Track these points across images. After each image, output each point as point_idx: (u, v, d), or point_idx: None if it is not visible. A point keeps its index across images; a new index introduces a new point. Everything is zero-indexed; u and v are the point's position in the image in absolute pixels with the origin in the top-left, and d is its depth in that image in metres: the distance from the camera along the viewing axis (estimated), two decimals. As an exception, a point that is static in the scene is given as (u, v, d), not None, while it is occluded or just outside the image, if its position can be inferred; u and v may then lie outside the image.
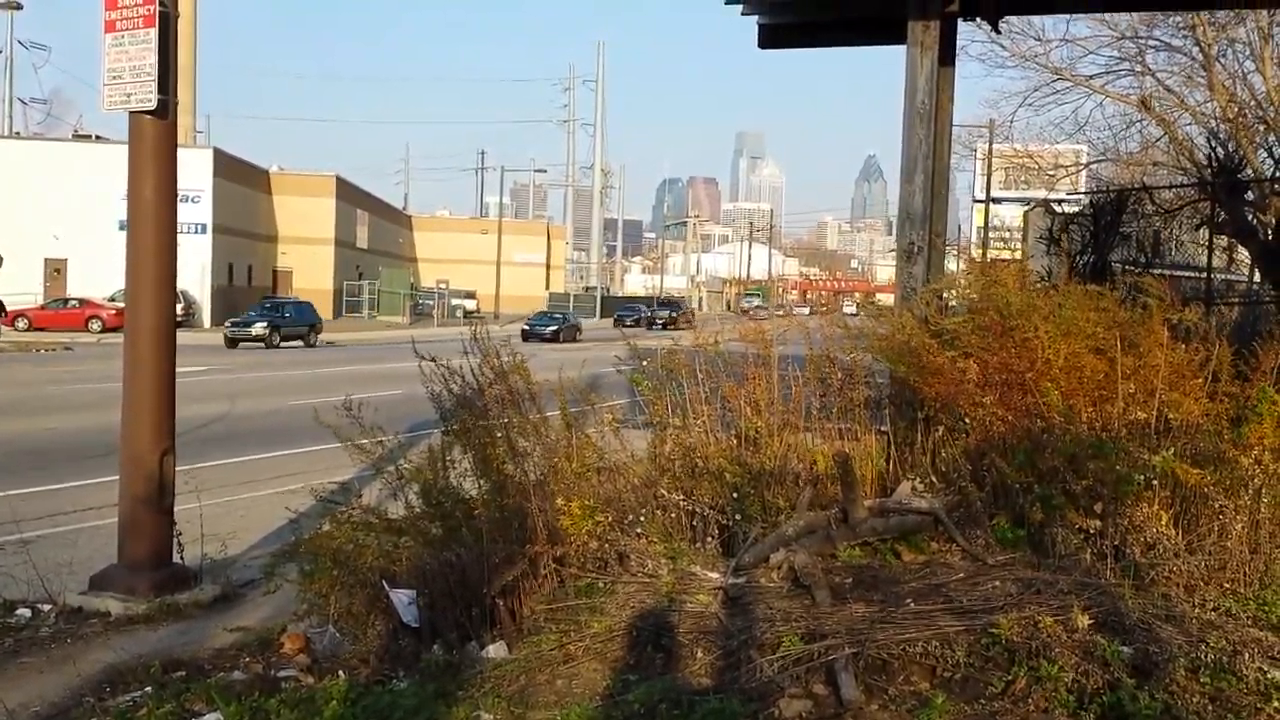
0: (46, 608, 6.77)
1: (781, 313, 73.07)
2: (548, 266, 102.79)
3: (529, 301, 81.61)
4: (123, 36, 6.86)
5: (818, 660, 4.48)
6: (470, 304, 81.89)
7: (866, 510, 5.86)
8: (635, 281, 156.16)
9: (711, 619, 4.94)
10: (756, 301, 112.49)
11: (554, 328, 57.45)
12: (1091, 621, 4.58)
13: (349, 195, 75.27)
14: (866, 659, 4.52)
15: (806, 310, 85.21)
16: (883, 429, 7.16)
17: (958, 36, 9.07)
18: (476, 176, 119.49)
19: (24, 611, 6.69)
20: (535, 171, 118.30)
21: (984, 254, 44.79)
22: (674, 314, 74.30)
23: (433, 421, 7.33)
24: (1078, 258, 11.47)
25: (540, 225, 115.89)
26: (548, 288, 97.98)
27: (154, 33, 6.75)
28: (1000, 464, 6.05)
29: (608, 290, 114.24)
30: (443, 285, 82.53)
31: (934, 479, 6.43)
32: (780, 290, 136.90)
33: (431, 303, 72.68)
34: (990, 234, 48.45)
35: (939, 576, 5.43)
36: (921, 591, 5.19)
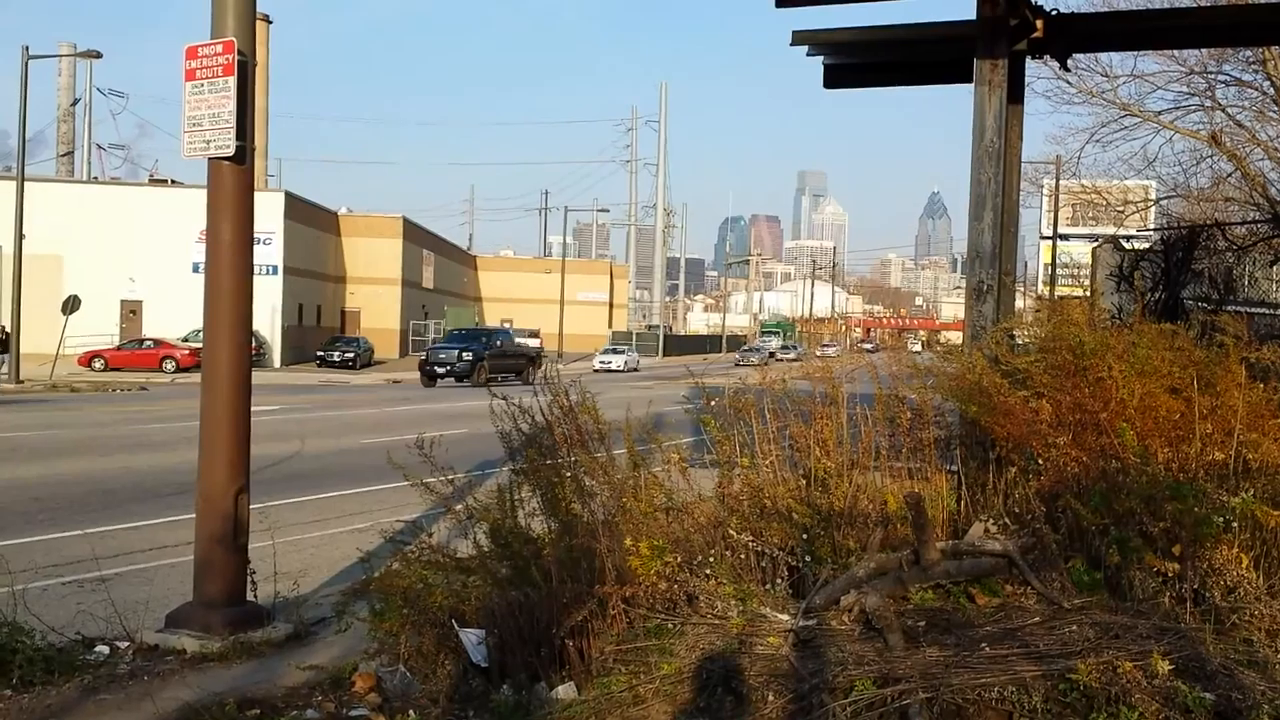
0: (124, 645, 6.87)
1: (820, 353, 73.06)
2: (610, 305, 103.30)
3: (592, 340, 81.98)
4: (202, 85, 7.04)
5: (891, 705, 4.43)
6: (534, 343, 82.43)
7: (939, 552, 5.79)
8: (697, 320, 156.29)
9: (782, 662, 4.90)
10: (775, 343, 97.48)
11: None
12: (1171, 667, 4.48)
13: (415, 236, 76.30)
14: (941, 704, 4.46)
15: (869, 347, 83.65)
16: (953, 468, 7.09)
17: (1025, 72, 9.03)
18: (540, 216, 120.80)
19: (102, 648, 6.79)
20: (598, 211, 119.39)
21: (1052, 291, 44.37)
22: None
23: (499, 460, 7.38)
24: (1149, 295, 11.31)
25: (603, 264, 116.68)
26: (610, 326, 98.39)
27: (233, 81, 6.92)
28: (1075, 505, 5.95)
29: (670, 329, 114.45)
30: (507, 324, 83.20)
31: (1007, 520, 6.35)
32: (845, 329, 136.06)
33: (499, 341, 73.18)
34: (1058, 271, 47.95)
35: (1014, 620, 5.35)
36: (996, 635, 5.11)
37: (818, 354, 77.40)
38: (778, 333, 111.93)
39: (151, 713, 5.60)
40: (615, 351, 69.47)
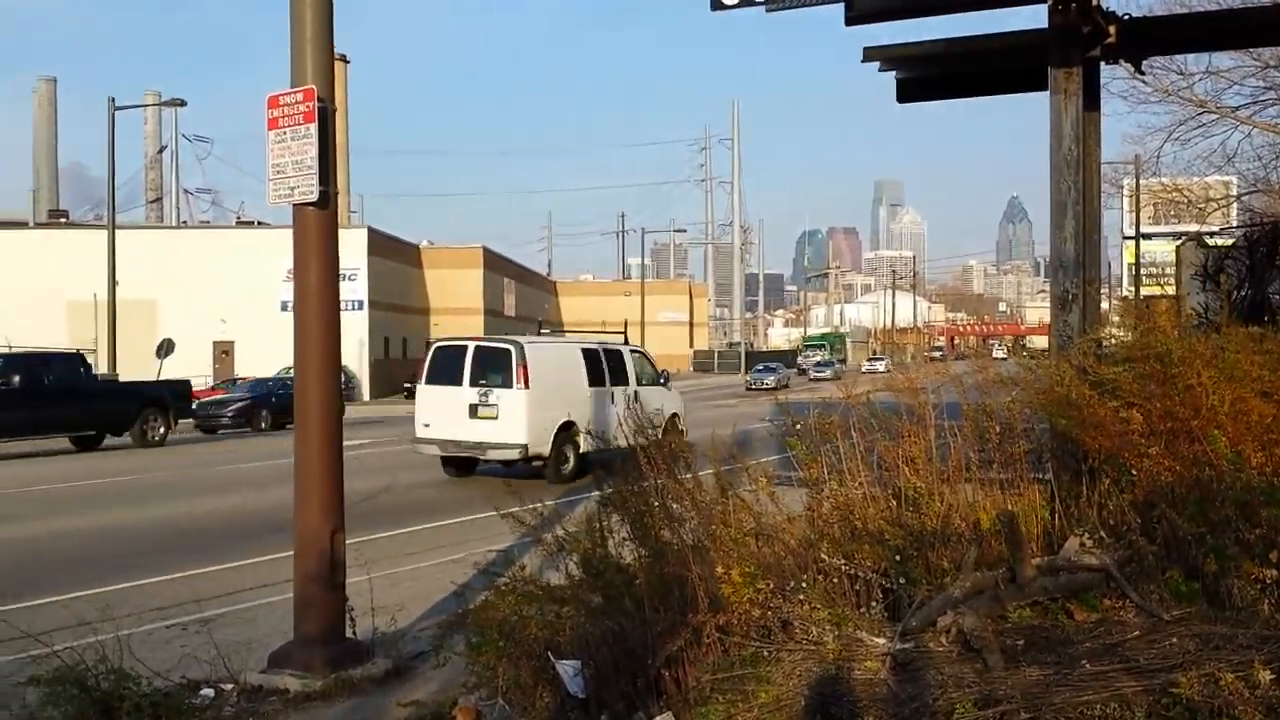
0: (229, 687, 7.02)
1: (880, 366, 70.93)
2: (691, 324, 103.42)
3: (674, 360, 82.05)
4: (285, 133, 7.22)
5: (993, 727, 4.37)
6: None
7: (1035, 569, 5.70)
8: (778, 335, 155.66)
9: (880, 686, 4.86)
10: (818, 358, 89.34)
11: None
12: (1274, 676, 4.37)
13: (495, 265, 77.20)
14: (1044, 724, 4.39)
15: (938, 355, 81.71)
16: (1044, 477, 6.98)
17: (1100, 78, 8.91)
18: (617, 239, 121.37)
19: (208, 691, 6.94)
20: (675, 232, 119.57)
21: (1136, 292, 43.49)
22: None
23: (583, 486, 7.44)
24: (1235, 293, 11.06)
25: (682, 284, 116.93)
26: (692, 345, 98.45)
27: (314, 128, 7.09)
28: (1170, 515, 5.83)
29: (751, 345, 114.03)
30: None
31: (1102, 533, 6.23)
32: (926, 338, 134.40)
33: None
34: (1141, 270, 47.02)
35: (1114, 635, 5.25)
36: (1096, 651, 5.02)
37: (864, 370, 73.00)
38: (824, 346, 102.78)
39: (259, 753, 5.72)
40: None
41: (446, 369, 18.95)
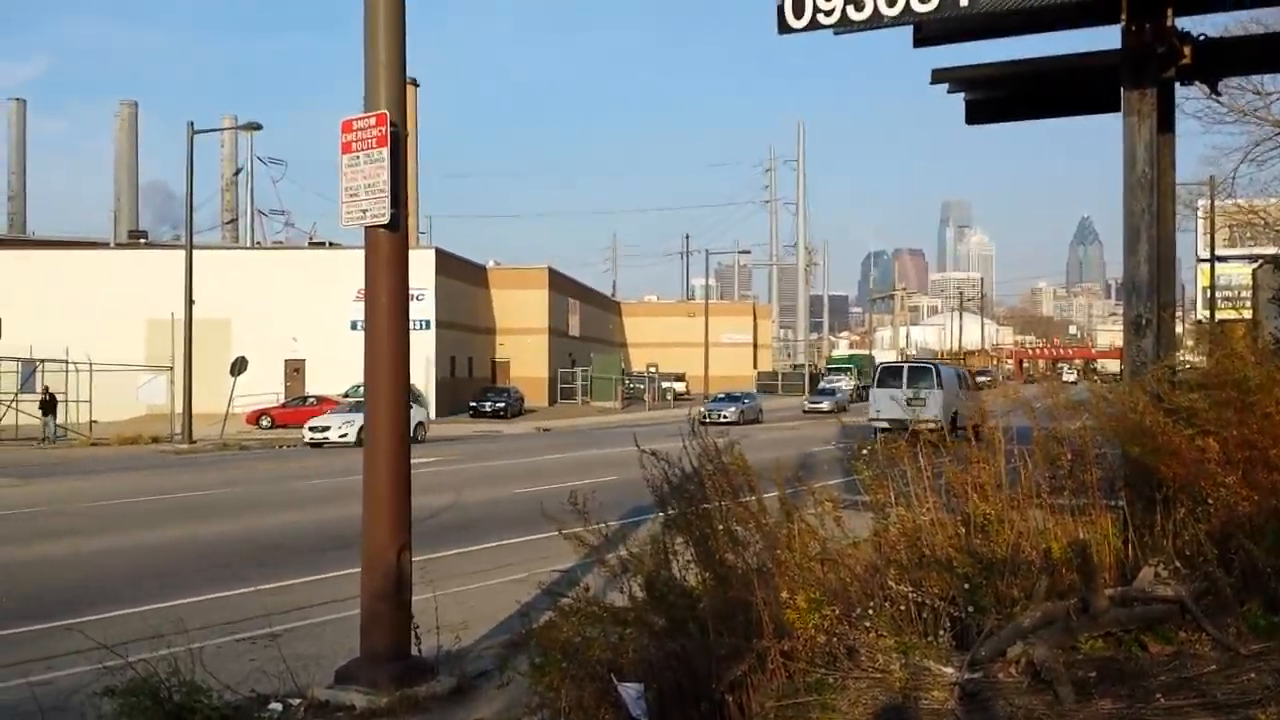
0: (296, 701, 7.10)
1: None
2: (755, 346, 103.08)
3: (738, 381, 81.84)
4: (358, 157, 7.33)
5: (1065, 761, 4.29)
6: (679, 386, 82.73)
7: (1108, 599, 5.60)
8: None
9: (948, 716, 4.79)
10: (843, 384, 78.40)
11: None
12: (1358, 715, 4.25)
13: (560, 285, 77.63)
14: (1117, 759, 4.30)
15: (986, 379, 77.00)
16: (1117, 505, 6.86)
17: (1174, 99, 8.77)
18: (681, 260, 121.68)
19: (276, 705, 7.03)
20: (739, 253, 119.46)
21: (1211, 316, 42.65)
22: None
23: (648, 507, 7.43)
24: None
25: (746, 305, 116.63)
26: (755, 367, 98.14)
27: (386, 152, 7.20)
28: (1248, 546, 5.71)
29: (815, 367, 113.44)
30: (653, 369, 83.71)
31: (1177, 564, 6.10)
32: (995, 361, 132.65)
33: (642, 386, 73.82)
34: (1216, 293, 46.15)
35: (1189, 669, 5.14)
36: (1171, 685, 4.92)
37: (809, 406, 65.63)
38: (849, 369, 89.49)
39: (325, 768, 5.77)
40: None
41: (890, 378, 32.77)
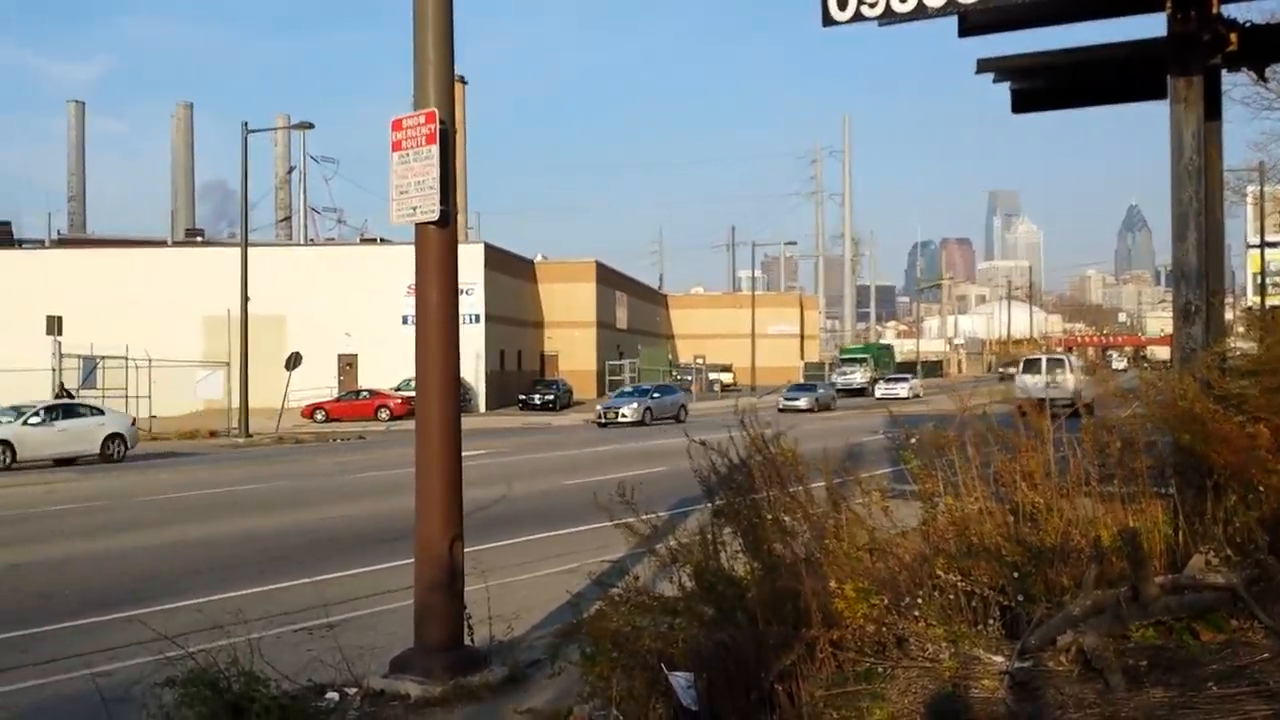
0: (352, 691, 7.21)
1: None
2: (802, 337, 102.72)
3: (784, 373, 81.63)
4: (408, 154, 7.43)
5: (1115, 749, 4.30)
6: (726, 377, 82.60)
7: (1158, 587, 5.58)
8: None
9: (999, 705, 4.80)
10: (860, 376, 77.19)
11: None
12: None
13: (608, 278, 77.78)
14: (1168, 747, 4.30)
15: (1010, 372, 74.83)
16: (1167, 493, 6.82)
17: (1221, 86, 8.67)
18: (728, 252, 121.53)
19: (332, 695, 7.15)
20: (785, 245, 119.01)
21: (1261, 302, 41.95)
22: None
23: (696, 498, 7.48)
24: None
25: (793, 297, 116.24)
26: (803, 358, 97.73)
27: (435, 149, 7.28)
28: (1302, 534, 5.66)
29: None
30: (700, 360, 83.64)
31: (1228, 551, 6.07)
32: (1042, 349, 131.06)
33: (690, 378, 73.78)
34: (1266, 279, 45.41)
35: (1241, 657, 5.11)
36: (1224, 674, 4.90)
37: (879, 394, 65.47)
38: (864, 360, 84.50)
39: (381, 756, 5.87)
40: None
41: (1032, 367, 42.04)
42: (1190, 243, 7.79)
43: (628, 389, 52.53)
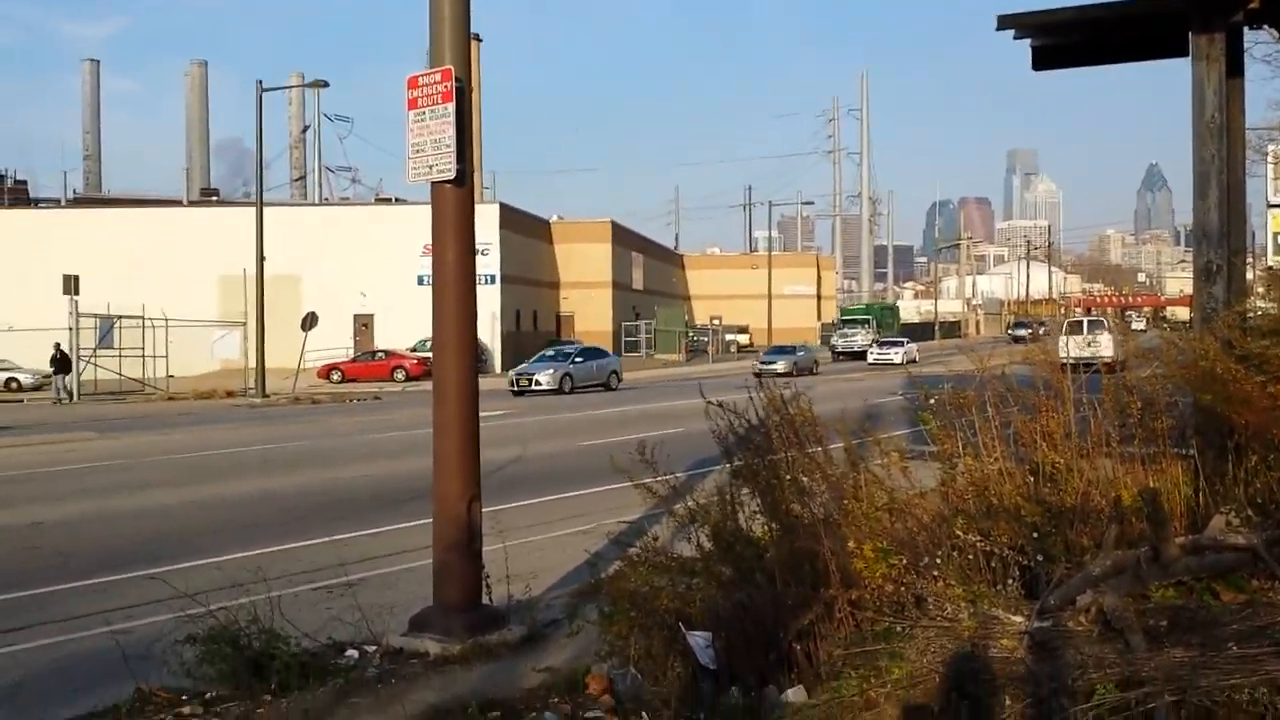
0: (371, 649, 7.26)
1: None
2: (818, 297, 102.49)
3: (801, 334, 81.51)
4: (424, 113, 7.37)
5: (1136, 709, 4.28)
6: (743, 338, 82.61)
7: (1179, 547, 5.55)
8: (907, 308, 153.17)
9: (1018, 665, 4.79)
10: (861, 338, 71.82)
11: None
12: None
13: (624, 239, 77.66)
14: (1189, 707, 4.28)
15: (1022, 333, 73.55)
16: (1188, 453, 6.77)
17: (1243, 43, 8.55)
18: (744, 213, 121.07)
19: (352, 652, 7.19)
20: (802, 204, 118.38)
21: (1282, 262, 41.74)
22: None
23: (713, 459, 7.47)
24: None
25: (809, 257, 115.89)
26: (820, 318, 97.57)
27: (452, 107, 7.22)
28: (1324, 494, 5.62)
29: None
30: (716, 321, 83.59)
31: (1249, 512, 6.03)
32: (1061, 309, 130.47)
33: (706, 339, 73.79)
34: (1288, 240, 45.07)
35: (1263, 617, 5.08)
36: (1245, 634, 4.87)
37: (871, 359, 60.57)
38: (866, 322, 78.55)
39: (400, 715, 5.91)
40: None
41: (1075, 328, 41.46)
42: (1211, 201, 7.71)
43: (549, 352, 47.00)
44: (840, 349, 71.12)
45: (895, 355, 59.64)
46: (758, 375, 48.33)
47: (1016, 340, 61.36)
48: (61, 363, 41.18)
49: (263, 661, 6.52)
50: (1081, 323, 45.38)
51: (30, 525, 13.33)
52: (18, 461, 21.01)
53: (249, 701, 6.24)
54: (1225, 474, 6.39)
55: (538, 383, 40.89)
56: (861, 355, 66.90)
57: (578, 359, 43.82)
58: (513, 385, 41.42)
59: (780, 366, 51.81)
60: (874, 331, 74.48)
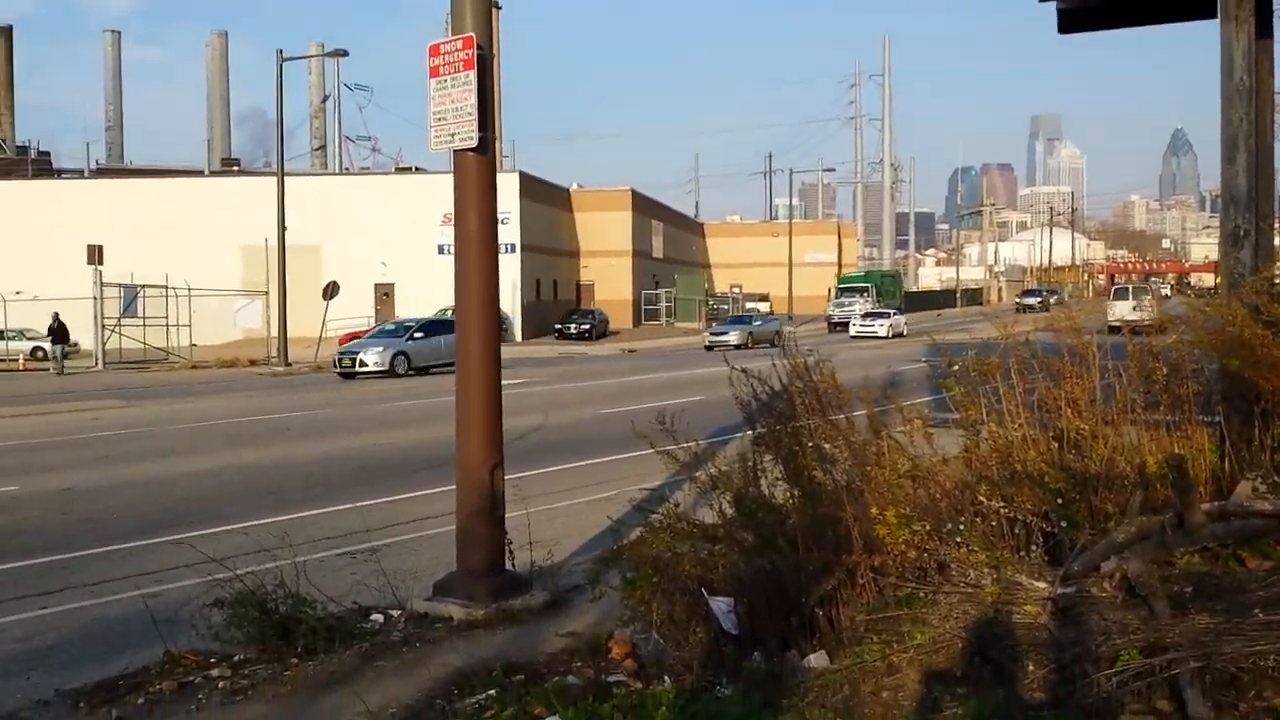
0: (396, 613, 7.32)
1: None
2: (839, 265, 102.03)
3: (822, 302, 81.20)
4: (446, 80, 7.35)
5: (1160, 675, 4.28)
6: (764, 306, 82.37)
7: (1204, 514, 5.53)
8: (929, 275, 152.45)
9: (1041, 631, 4.80)
10: (859, 306, 65.01)
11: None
12: None
13: (643, 207, 77.42)
14: (1213, 673, 4.29)
15: (1032, 302, 71.61)
16: (1213, 420, 6.74)
17: (1273, 3, 8.42)
18: (765, 180, 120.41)
19: (377, 617, 7.25)
20: (823, 171, 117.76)
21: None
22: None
23: (734, 426, 7.47)
24: None
25: (830, 224, 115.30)
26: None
27: (473, 75, 7.20)
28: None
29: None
30: (736, 289, 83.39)
31: (1276, 478, 6.00)
32: (1084, 277, 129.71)
33: (726, 307, 73.64)
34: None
35: (1288, 584, 5.07)
36: (1270, 600, 4.86)
37: (854, 331, 54.30)
38: (866, 289, 72.49)
39: (426, 678, 5.97)
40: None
41: (1121, 294, 47.62)
42: (1240, 165, 7.62)
43: (389, 325, 40.70)
44: (837, 319, 65.30)
45: (880, 328, 54.95)
46: (709, 349, 46.84)
47: (1025, 309, 58.78)
48: (59, 332, 41.06)
49: (289, 625, 6.59)
50: (1128, 289, 49.66)
51: (60, 491, 13.47)
52: (47, 428, 21.21)
53: (276, 664, 6.30)
54: (1251, 440, 6.35)
55: (363, 364, 34.44)
56: None
57: (418, 335, 36.55)
58: (336, 366, 35.46)
59: (733, 338, 49.00)
60: (874, 301, 68.95)
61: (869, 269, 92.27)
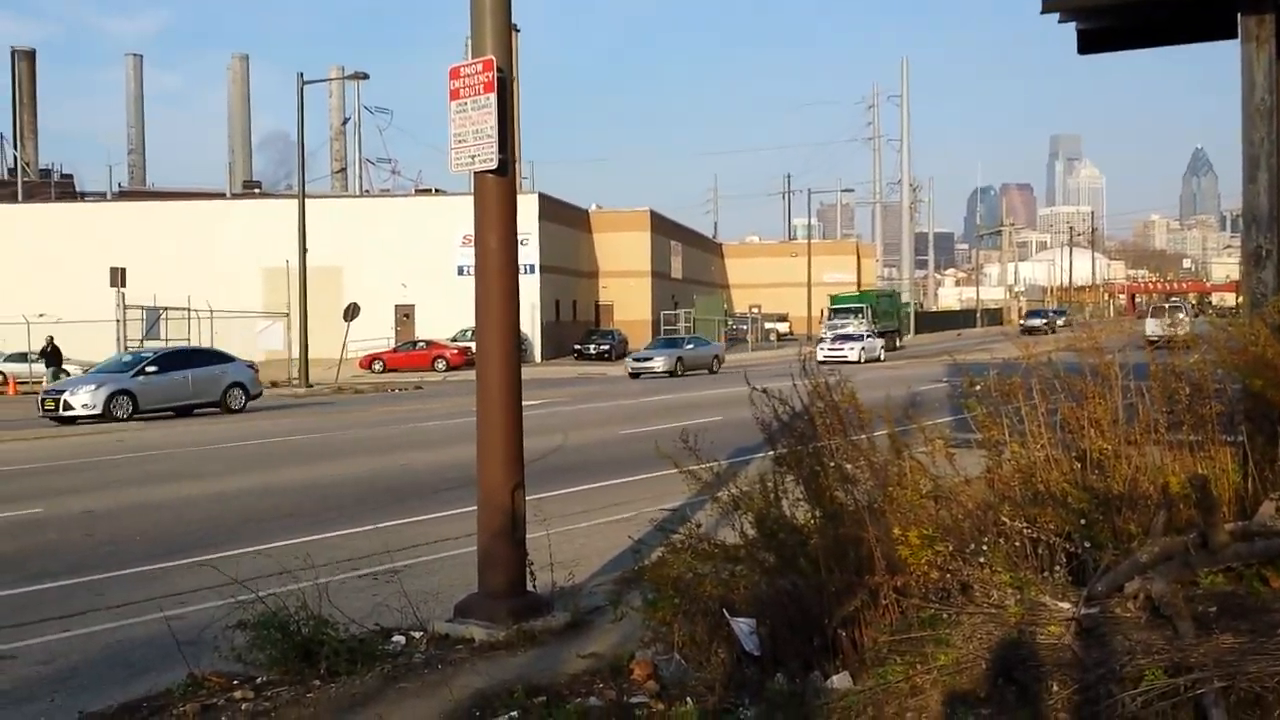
0: (418, 634, 7.33)
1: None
2: (859, 285, 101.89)
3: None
4: (466, 103, 7.41)
5: (1184, 695, 4.26)
6: (782, 327, 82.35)
7: (1228, 534, 5.50)
8: (949, 295, 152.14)
9: (1065, 651, 4.78)
10: (853, 328, 58.57)
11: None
12: None
13: (662, 228, 77.58)
14: (1238, 693, 4.27)
15: (1037, 323, 70.88)
16: (1237, 439, 6.71)
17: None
18: (783, 200, 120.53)
19: (399, 638, 7.26)
20: (842, 191, 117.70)
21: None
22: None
23: (753, 446, 7.47)
24: None
25: (849, 244, 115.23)
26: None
27: (493, 97, 7.25)
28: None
29: (921, 305, 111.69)
30: (755, 310, 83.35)
31: (1301, 498, 5.96)
32: (1105, 296, 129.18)
33: (745, 328, 73.62)
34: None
35: (1314, 605, 5.03)
36: (1295, 621, 4.83)
37: (821, 356, 42.01)
38: (859, 310, 66.73)
39: (448, 700, 5.97)
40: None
41: (1158, 312, 50.11)
42: (1261, 185, 7.60)
43: (125, 357, 32.29)
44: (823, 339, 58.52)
45: (851, 352, 50.23)
46: (634, 376, 42.77)
47: (1029, 332, 56.24)
48: (52, 356, 40.60)
49: (312, 647, 6.61)
50: (1163, 307, 51.39)
51: (83, 513, 13.55)
52: (69, 451, 21.35)
53: (299, 686, 6.32)
54: (1275, 460, 6.32)
55: (67, 405, 27.73)
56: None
57: (150, 369, 29.42)
58: (40, 409, 28.36)
59: (659, 365, 44.60)
60: (869, 323, 62.99)
61: (864, 290, 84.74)
